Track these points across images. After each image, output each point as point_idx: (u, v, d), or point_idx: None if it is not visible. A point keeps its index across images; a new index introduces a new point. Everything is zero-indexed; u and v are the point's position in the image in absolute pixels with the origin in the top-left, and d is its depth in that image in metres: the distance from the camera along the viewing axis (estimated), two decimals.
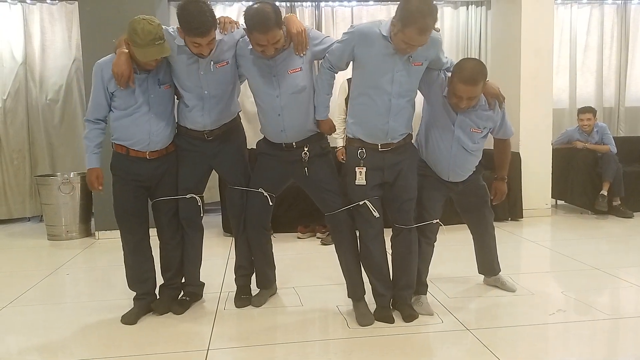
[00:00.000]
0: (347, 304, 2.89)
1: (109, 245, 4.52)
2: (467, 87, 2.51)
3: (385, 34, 2.43)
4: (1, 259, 4.34)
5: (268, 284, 3.06)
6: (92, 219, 4.93)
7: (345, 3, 5.82)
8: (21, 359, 2.44)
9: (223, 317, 2.84)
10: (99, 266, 4.06)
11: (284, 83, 2.61)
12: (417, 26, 2.28)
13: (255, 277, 3.05)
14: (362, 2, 5.84)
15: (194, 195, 2.84)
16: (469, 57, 2.75)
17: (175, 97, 2.81)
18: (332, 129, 2.73)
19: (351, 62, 2.60)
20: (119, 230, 2.81)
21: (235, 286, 3.05)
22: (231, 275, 3.12)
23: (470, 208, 3.04)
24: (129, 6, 4.52)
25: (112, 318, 2.84)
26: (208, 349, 2.45)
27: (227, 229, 4.77)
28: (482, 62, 2.62)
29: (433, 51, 2.54)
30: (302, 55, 2.60)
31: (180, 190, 2.83)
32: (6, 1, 5.36)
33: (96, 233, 4.78)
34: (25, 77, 5.46)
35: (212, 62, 2.63)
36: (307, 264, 3.88)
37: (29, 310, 3.06)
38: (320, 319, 2.83)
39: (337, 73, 2.65)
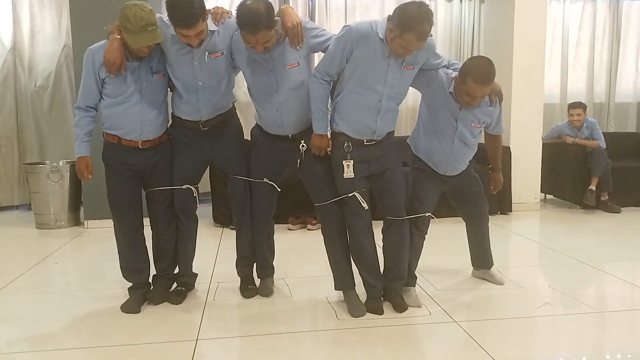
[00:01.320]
0: (336, 295, 2.90)
1: (98, 234, 4.50)
2: (483, 87, 2.57)
3: (381, 37, 2.44)
4: None
5: (270, 273, 3.07)
6: (81, 208, 4.89)
7: None
8: (10, 348, 2.43)
9: (212, 308, 2.84)
10: (88, 255, 4.04)
11: (281, 79, 2.60)
12: (415, 32, 2.31)
13: (257, 268, 3.05)
14: None
15: (190, 186, 2.83)
16: (477, 55, 2.73)
17: (169, 89, 2.78)
18: (327, 146, 2.65)
19: None
20: (112, 220, 2.79)
21: (231, 277, 3.03)
22: (221, 266, 3.13)
23: (466, 199, 3.06)
24: None
25: (102, 308, 2.83)
26: (197, 339, 2.45)
27: (218, 219, 4.76)
28: (491, 61, 2.63)
29: (424, 55, 2.58)
30: (297, 48, 2.58)
31: (175, 181, 2.81)
32: None
33: (85, 222, 4.75)
34: (14, 63, 5.39)
35: (206, 53, 2.60)
36: (297, 255, 3.88)
37: (18, 299, 3.04)
38: (310, 310, 2.84)
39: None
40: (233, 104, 2.91)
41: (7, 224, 5.06)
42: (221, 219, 4.75)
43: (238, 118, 2.96)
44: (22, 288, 3.22)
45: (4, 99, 5.40)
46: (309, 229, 4.58)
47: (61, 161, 5.01)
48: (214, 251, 3.89)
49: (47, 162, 5.10)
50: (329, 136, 2.67)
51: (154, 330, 2.56)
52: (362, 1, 5.84)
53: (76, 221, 4.89)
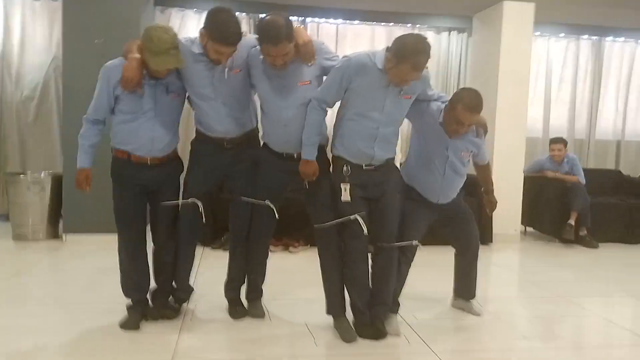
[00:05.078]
0: (315, 320, 2.88)
1: (77, 248, 4.41)
2: (472, 114, 2.67)
3: (380, 67, 2.50)
4: None
5: (258, 296, 3.06)
6: (60, 221, 4.81)
7: (331, 20, 5.90)
8: None
9: (188, 330, 2.79)
10: (65, 269, 3.95)
11: (292, 95, 2.65)
12: (411, 62, 2.39)
13: (246, 291, 3.03)
14: (347, 21, 5.93)
15: (196, 200, 2.81)
16: (466, 87, 2.83)
17: (190, 105, 2.82)
18: (315, 173, 2.68)
19: None
20: (117, 236, 2.77)
21: (209, 299, 2.99)
22: (200, 287, 3.08)
23: (457, 227, 3.09)
24: (114, 8, 4.49)
25: (74, 324, 2.78)
26: None
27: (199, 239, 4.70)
28: (479, 92, 2.73)
29: (421, 86, 2.67)
30: (309, 64, 2.63)
31: (185, 193, 2.82)
32: None
33: (64, 235, 4.66)
34: (2, 72, 5.35)
35: (226, 69, 2.64)
36: (276, 278, 3.81)
37: None
38: (288, 335, 2.81)
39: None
40: (257, 127, 2.92)
41: None
42: (202, 239, 4.70)
43: (259, 143, 2.94)
44: None
45: None
46: (290, 251, 4.56)
47: (43, 172, 4.94)
48: (193, 272, 3.82)
49: (29, 172, 5.03)
50: (331, 161, 2.73)
51: (127, 351, 2.51)
52: (352, 28, 5.95)
53: (54, 234, 4.80)
